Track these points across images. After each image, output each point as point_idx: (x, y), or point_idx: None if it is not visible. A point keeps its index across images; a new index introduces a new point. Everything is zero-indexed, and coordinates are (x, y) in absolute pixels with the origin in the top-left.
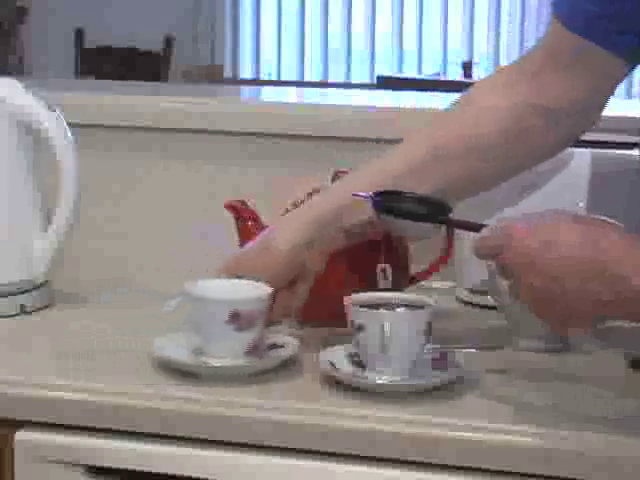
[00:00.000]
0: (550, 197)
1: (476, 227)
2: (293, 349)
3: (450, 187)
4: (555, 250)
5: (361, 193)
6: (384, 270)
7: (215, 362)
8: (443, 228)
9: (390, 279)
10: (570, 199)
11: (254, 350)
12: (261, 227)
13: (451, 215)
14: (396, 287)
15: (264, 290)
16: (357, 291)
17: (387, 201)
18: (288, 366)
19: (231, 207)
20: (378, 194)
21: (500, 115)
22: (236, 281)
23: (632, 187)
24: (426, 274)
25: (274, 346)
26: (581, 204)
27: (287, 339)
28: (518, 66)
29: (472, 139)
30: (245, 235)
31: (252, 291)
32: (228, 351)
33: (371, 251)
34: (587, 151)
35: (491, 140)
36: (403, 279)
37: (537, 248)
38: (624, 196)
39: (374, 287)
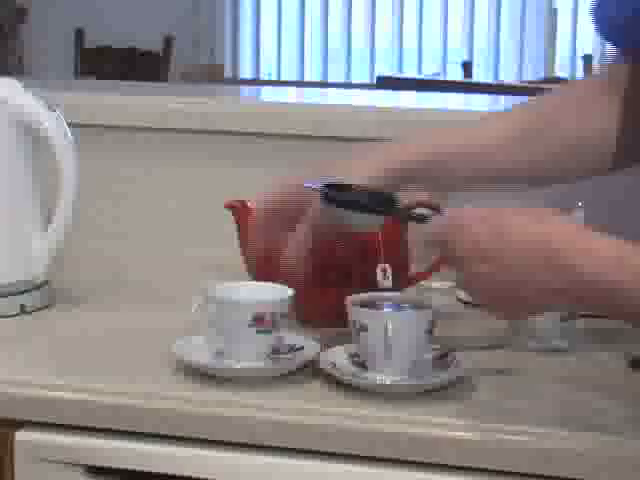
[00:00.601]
0: (549, 197)
1: (425, 219)
2: (314, 351)
3: (531, 170)
4: (504, 239)
5: (311, 184)
6: (384, 270)
7: (238, 364)
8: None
9: (390, 279)
10: (570, 199)
11: (275, 352)
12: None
13: (399, 207)
14: (396, 287)
15: (286, 292)
16: (357, 291)
17: (337, 193)
18: None
19: (231, 207)
20: (328, 186)
21: (604, 118)
22: (257, 283)
23: (632, 187)
24: (426, 274)
25: (294, 348)
26: (581, 204)
27: (307, 341)
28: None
29: (570, 131)
30: (245, 235)
31: (275, 293)
32: (251, 353)
33: (371, 251)
34: None
35: (588, 138)
36: (403, 279)
37: (486, 237)
38: (624, 196)
39: (374, 287)
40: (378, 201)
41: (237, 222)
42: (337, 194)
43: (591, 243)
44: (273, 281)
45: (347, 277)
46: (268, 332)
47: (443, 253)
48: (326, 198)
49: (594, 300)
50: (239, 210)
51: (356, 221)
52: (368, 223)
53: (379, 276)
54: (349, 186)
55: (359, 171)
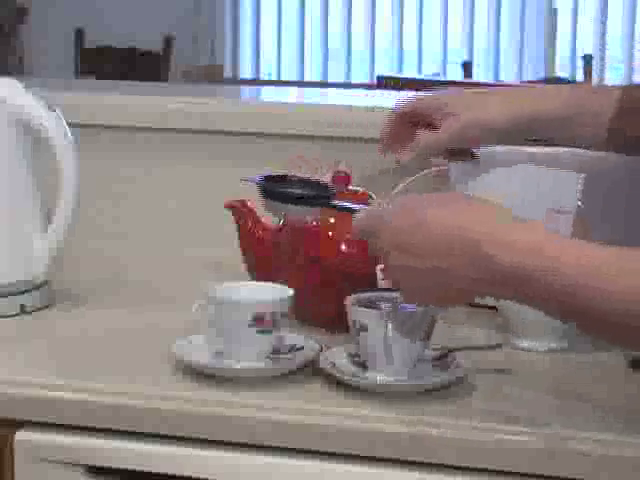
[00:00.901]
0: (549, 197)
1: (355, 211)
2: (314, 351)
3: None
4: (425, 230)
5: (249, 178)
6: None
7: (238, 365)
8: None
9: None
10: (569, 199)
11: (275, 352)
12: (261, 227)
13: (333, 198)
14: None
15: (286, 292)
16: (357, 291)
17: (273, 185)
18: None
19: (231, 207)
20: (264, 178)
21: None
22: (257, 283)
23: (632, 187)
24: None
25: (294, 348)
26: (580, 204)
27: (307, 341)
28: None
29: None
30: (245, 235)
31: (275, 293)
32: (251, 353)
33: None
34: (587, 151)
35: None
36: None
37: (408, 229)
38: (624, 196)
39: (374, 287)
40: (313, 192)
41: (237, 222)
42: (272, 186)
43: (510, 234)
44: (273, 281)
45: (347, 277)
46: (268, 332)
47: (369, 245)
48: (263, 191)
49: (513, 289)
50: (239, 210)
51: (291, 213)
52: (303, 214)
53: (379, 276)
54: (283, 176)
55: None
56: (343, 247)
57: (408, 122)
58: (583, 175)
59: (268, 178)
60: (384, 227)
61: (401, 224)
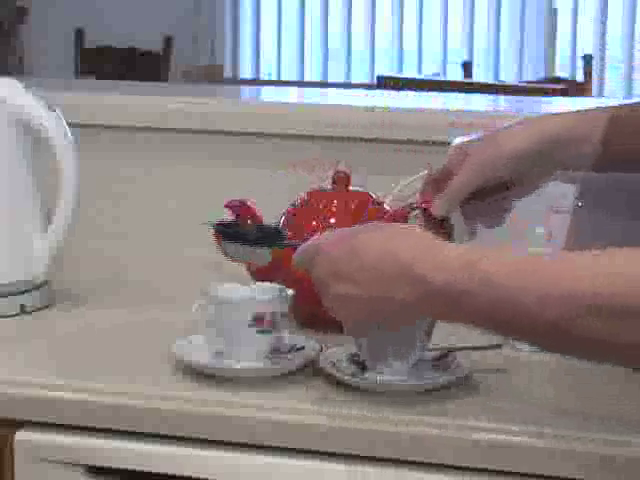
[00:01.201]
0: (549, 198)
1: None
2: (314, 351)
3: None
4: (359, 257)
5: (207, 222)
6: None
7: (238, 365)
8: None
9: None
10: (569, 200)
11: (275, 352)
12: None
13: (284, 240)
14: None
15: (286, 292)
16: None
17: (228, 229)
18: None
19: (231, 207)
20: (220, 223)
21: None
22: (257, 283)
23: (632, 187)
24: None
25: (294, 348)
26: (580, 204)
27: (307, 341)
28: None
29: None
30: None
31: (275, 293)
32: (251, 353)
33: None
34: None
35: None
36: None
37: (342, 257)
38: (624, 196)
39: None
40: (265, 235)
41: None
42: (225, 229)
43: (440, 253)
44: (272, 281)
45: None
46: (268, 332)
47: (311, 277)
48: (217, 233)
49: (449, 308)
50: (239, 210)
51: (242, 253)
52: (253, 256)
53: None
54: (236, 223)
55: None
56: None
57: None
58: (582, 175)
59: (225, 223)
60: (320, 257)
61: (336, 253)
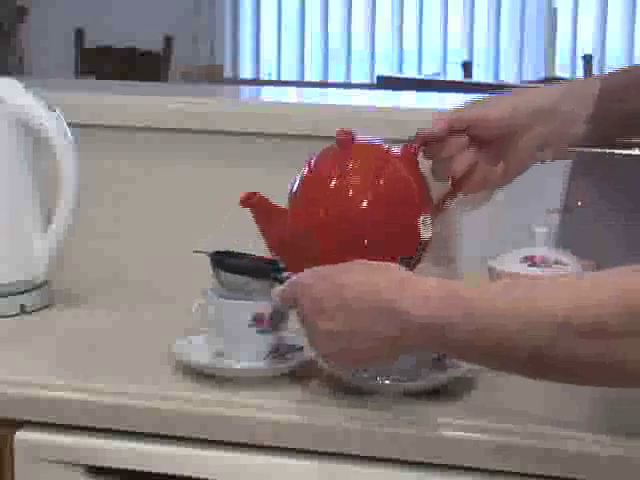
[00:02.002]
0: (549, 197)
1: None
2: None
3: None
4: (341, 294)
5: (203, 251)
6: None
7: (238, 365)
8: None
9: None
10: (570, 199)
11: (275, 352)
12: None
13: (281, 272)
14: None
15: None
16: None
17: (220, 258)
18: None
19: (247, 199)
20: (217, 253)
21: None
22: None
23: (632, 187)
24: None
25: (294, 348)
26: (580, 204)
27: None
28: None
29: None
30: (268, 219)
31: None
32: (251, 353)
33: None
34: (587, 151)
35: None
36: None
37: (325, 295)
38: (624, 196)
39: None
40: (260, 266)
41: (255, 213)
42: (220, 259)
43: (421, 287)
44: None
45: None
46: (268, 332)
47: (297, 313)
48: (213, 262)
49: (433, 340)
50: (254, 200)
51: (239, 283)
52: (249, 287)
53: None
54: (235, 253)
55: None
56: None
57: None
58: (582, 175)
59: (220, 253)
60: (304, 295)
61: (318, 290)
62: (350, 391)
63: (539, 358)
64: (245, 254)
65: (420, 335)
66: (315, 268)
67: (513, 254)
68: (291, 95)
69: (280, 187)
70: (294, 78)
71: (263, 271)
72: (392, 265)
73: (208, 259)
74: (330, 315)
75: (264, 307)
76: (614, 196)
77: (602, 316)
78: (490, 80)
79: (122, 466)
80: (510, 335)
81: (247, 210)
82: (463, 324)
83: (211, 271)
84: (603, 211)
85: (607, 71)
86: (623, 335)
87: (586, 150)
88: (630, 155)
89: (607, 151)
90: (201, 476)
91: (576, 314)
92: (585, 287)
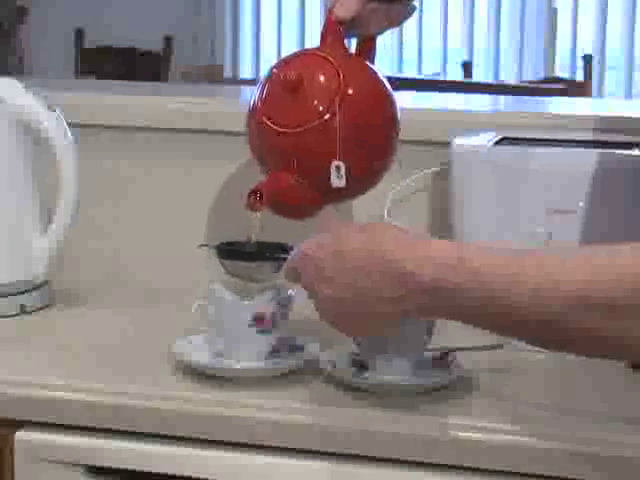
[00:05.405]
0: (550, 197)
1: None
2: (314, 350)
3: None
4: (343, 258)
5: (206, 244)
6: (338, 168)
7: (238, 365)
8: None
9: (344, 178)
10: (570, 199)
11: (275, 352)
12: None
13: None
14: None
15: (286, 292)
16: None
17: (224, 246)
18: None
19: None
20: (222, 243)
21: None
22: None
23: (632, 187)
24: None
25: (294, 348)
26: (581, 204)
27: (307, 341)
28: None
29: None
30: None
31: (275, 293)
32: (251, 353)
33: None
34: (587, 151)
35: None
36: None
37: (327, 260)
38: (624, 196)
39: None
40: (266, 250)
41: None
42: (226, 247)
43: (428, 249)
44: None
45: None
46: (268, 332)
47: (300, 284)
48: (219, 252)
49: (438, 304)
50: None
51: (246, 270)
52: (265, 273)
53: (333, 174)
54: (240, 242)
55: None
56: None
57: None
58: (584, 175)
59: (225, 243)
60: (307, 263)
61: (322, 256)
62: (350, 391)
63: (549, 328)
64: (248, 242)
65: (425, 298)
66: (315, 237)
67: None
68: None
69: None
70: None
71: (270, 253)
72: (395, 226)
73: (209, 259)
74: (333, 280)
75: (264, 307)
76: (614, 196)
77: (616, 292)
78: (490, 80)
79: (122, 466)
80: (520, 303)
81: (247, 210)
82: (471, 289)
83: (218, 263)
84: (603, 211)
85: (607, 71)
86: (636, 312)
87: (587, 150)
88: (630, 155)
89: (607, 151)
90: (201, 476)
91: (590, 289)
92: (601, 264)
